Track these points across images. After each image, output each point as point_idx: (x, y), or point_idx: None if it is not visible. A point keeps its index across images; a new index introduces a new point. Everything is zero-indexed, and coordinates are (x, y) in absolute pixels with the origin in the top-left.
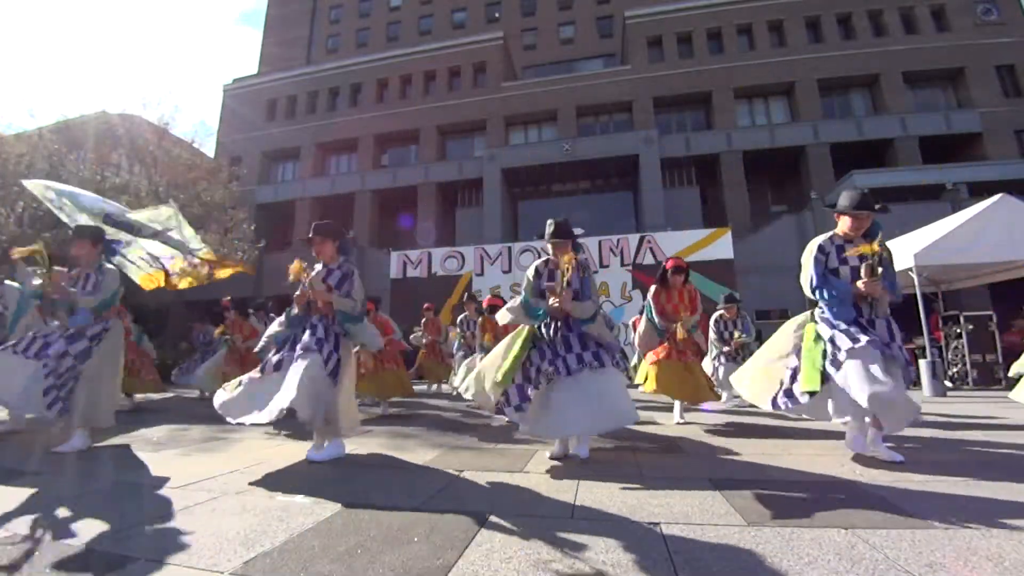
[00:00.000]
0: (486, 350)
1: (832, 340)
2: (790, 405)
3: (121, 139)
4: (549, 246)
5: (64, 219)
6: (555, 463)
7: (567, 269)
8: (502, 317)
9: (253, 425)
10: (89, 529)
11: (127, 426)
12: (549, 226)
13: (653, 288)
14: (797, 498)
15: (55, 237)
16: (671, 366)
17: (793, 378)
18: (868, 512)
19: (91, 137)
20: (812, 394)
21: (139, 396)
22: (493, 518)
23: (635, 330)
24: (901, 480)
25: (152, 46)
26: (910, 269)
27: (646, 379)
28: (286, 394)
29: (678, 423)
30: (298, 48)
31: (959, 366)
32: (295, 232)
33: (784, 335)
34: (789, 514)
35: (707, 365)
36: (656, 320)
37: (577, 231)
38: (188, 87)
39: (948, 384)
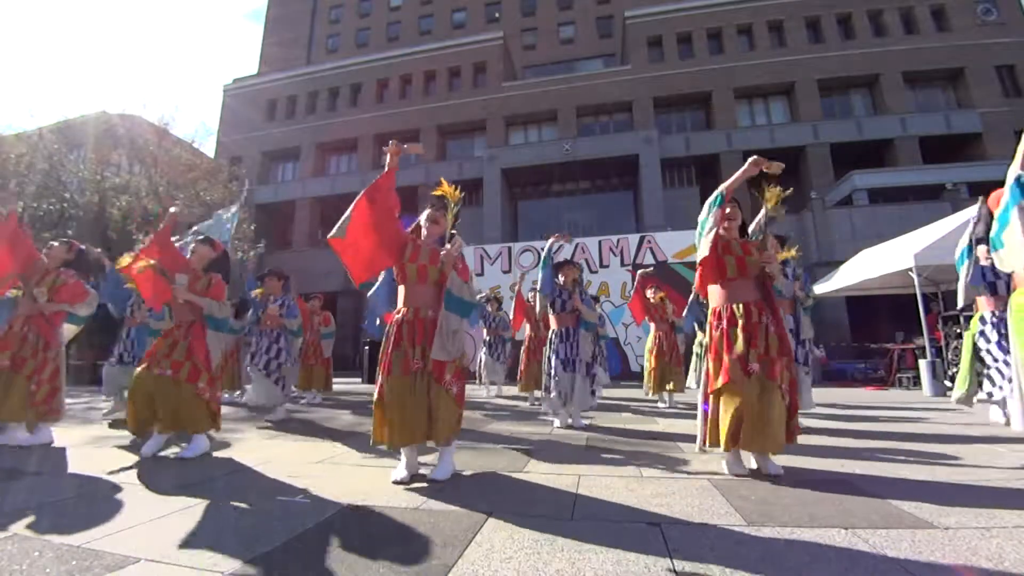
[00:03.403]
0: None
1: None
2: None
3: (121, 139)
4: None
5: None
6: (554, 465)
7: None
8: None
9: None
10: (89, 529)
11: (124, 427)
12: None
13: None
14: (797, 498)
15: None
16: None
17: None
18: (868, 512)
19: (91, 137)
20: None
21: None
22: (493, 518)
23: (639, 320)
24: (902, 480)
25: (153, 46)
26: (910, 269)
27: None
28: None
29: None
30: (298, 48)
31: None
32: (295, 232)
33: None
34: (789, 514)
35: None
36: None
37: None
38: (188, 87)
39: (948, 384)
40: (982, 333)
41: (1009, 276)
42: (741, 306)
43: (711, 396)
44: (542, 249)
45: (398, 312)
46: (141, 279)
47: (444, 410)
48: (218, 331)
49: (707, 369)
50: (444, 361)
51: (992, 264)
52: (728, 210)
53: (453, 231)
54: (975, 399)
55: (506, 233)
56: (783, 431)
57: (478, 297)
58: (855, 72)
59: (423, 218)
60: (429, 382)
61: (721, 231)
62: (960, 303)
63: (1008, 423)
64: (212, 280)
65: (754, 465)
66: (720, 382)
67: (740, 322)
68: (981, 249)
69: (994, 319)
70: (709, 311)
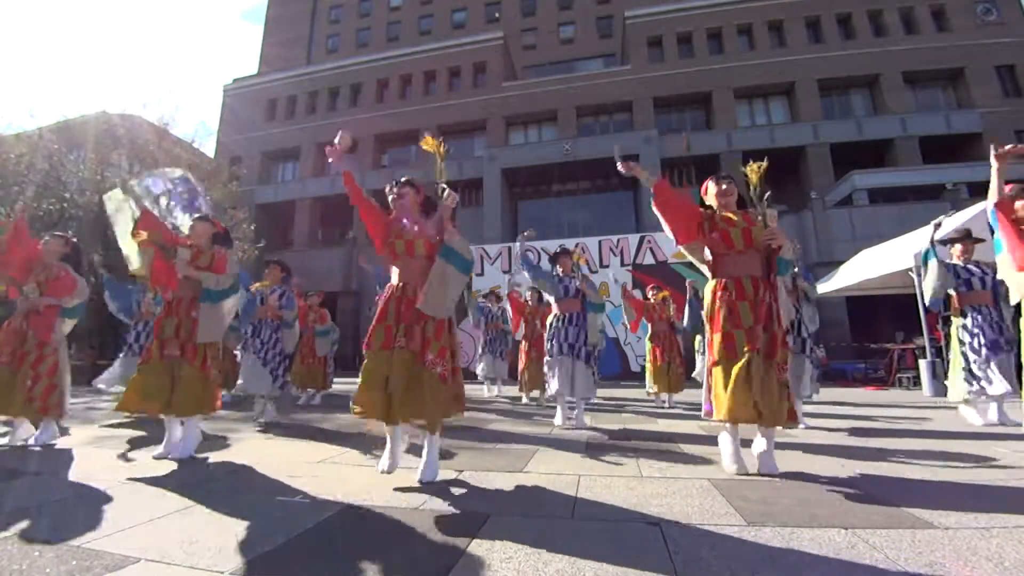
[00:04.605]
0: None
1: None
2: None
3: (121, 139)
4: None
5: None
6: (554, 465)
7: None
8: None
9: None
10: (89, 529)
11: (124, 427)
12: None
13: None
14: (797, 498)
15: None
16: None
17: None
18: (868, 512)
19: (91, 137)
20: None
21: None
22: (493, 518)
23: (635, 326)
24: (902, 480)
25: (152, 46)
26: (910, 269)
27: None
28: None
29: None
30: (298, 48)
31: None
32: (295, 232)
33: None
34: (789, 514)
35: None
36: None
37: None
38: (188, 87)
39: (948, 384)
40: (964, 327)
41: (983, 273)
42: (749, 280)
43: (713, 368)
44: (542, 250)
45: (389, 287)
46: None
47: (429, 391)
48: (211, 303)
49: (709, 339)
50: (427, 339)
51: (964, 263)
52: (724, 186)
53: (444, 185)
54: (963, 397)
55: (506, 233)
56: (784, 407)
57: (479, 298)
58: (855, 72)
59: (391, 202)
60: (412, 360)
61: (717, 207)
62: (927, 301)
63: (998, 423)
64: (216, 255)
65: (755, 462)
66: (723, 354)
67: (749, 296)
68: (956, 249)
69: (973, 315)
70: (711, 284)
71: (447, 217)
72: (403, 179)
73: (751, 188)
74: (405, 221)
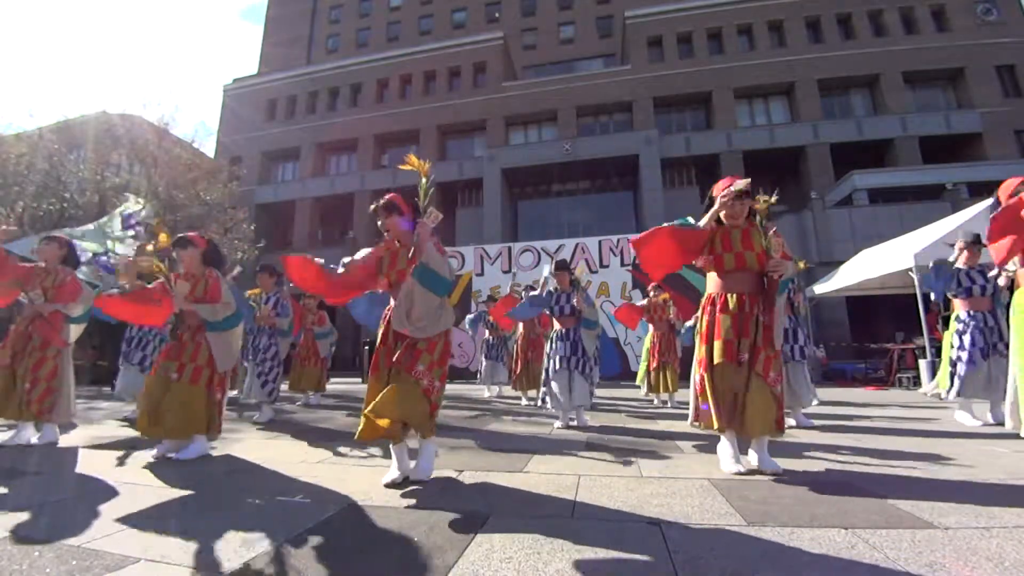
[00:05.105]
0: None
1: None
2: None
3: (121, 139)
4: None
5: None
6: (554, 465)
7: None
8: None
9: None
10: (89, 529)
11: (125, 428)
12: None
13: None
14: (797, 498)
15: None
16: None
17: None
18: (868, 512)
19: (91, 137)
20: None
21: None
22: (493, 518)
23: (633, 325)
24: (902, 480)
25: (152, 46)
26: (910, 269)
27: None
28: None
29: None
30: (298, 48)
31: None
32: (295, 232)
33: None
34: (789, 514)
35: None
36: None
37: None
38: (188, 87)
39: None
40: (958, 332)
41: (985, 280)
42: (735, 296)
43: (701, 378)
44: (542, 250)
45: (388, 312)
46: (126, 302)
47: (411, 400)
48: (217, 333)
49: (698, 352)
50: (418, 350)
51: (967, 269)
52: (737, 208)
53: (430, 209)
54: (942, 396)
55: (506, 233)
56: (770, 416)
57: (481, 300)
58: (855, 72)
59: (380, 226)
60: (400, 372)
61: (726, 221)
62: (933, 297)
63: (983, 423)
64: (209, 281)
65: (754, 464)
66: (707, 365)
67: (732, 311)
68: (962, 254)
69: (968, 320)
70: (703, 298)
71: (425, 235)
72: (383, 203)
73: (759, 220)
74: (398, 244)
